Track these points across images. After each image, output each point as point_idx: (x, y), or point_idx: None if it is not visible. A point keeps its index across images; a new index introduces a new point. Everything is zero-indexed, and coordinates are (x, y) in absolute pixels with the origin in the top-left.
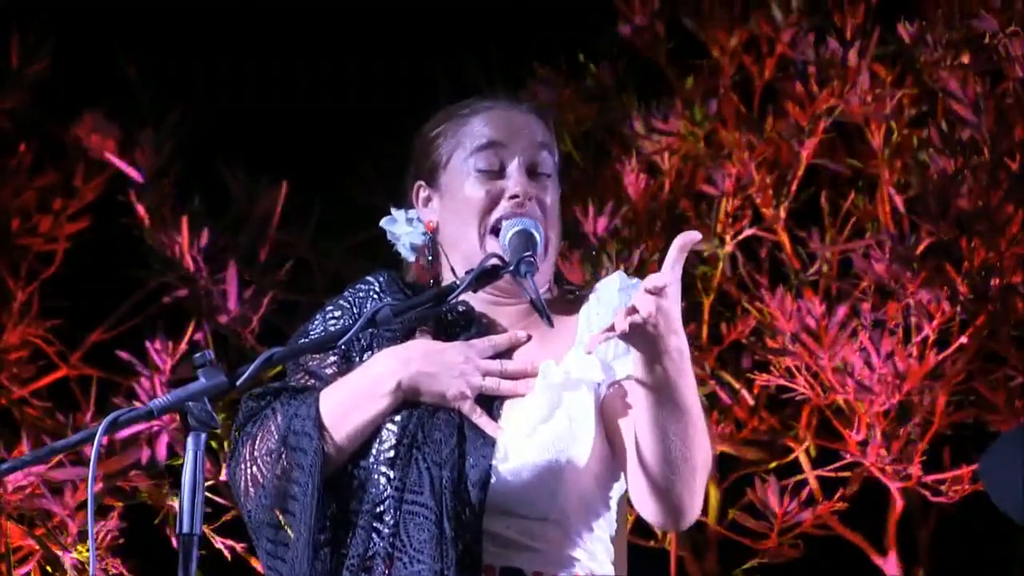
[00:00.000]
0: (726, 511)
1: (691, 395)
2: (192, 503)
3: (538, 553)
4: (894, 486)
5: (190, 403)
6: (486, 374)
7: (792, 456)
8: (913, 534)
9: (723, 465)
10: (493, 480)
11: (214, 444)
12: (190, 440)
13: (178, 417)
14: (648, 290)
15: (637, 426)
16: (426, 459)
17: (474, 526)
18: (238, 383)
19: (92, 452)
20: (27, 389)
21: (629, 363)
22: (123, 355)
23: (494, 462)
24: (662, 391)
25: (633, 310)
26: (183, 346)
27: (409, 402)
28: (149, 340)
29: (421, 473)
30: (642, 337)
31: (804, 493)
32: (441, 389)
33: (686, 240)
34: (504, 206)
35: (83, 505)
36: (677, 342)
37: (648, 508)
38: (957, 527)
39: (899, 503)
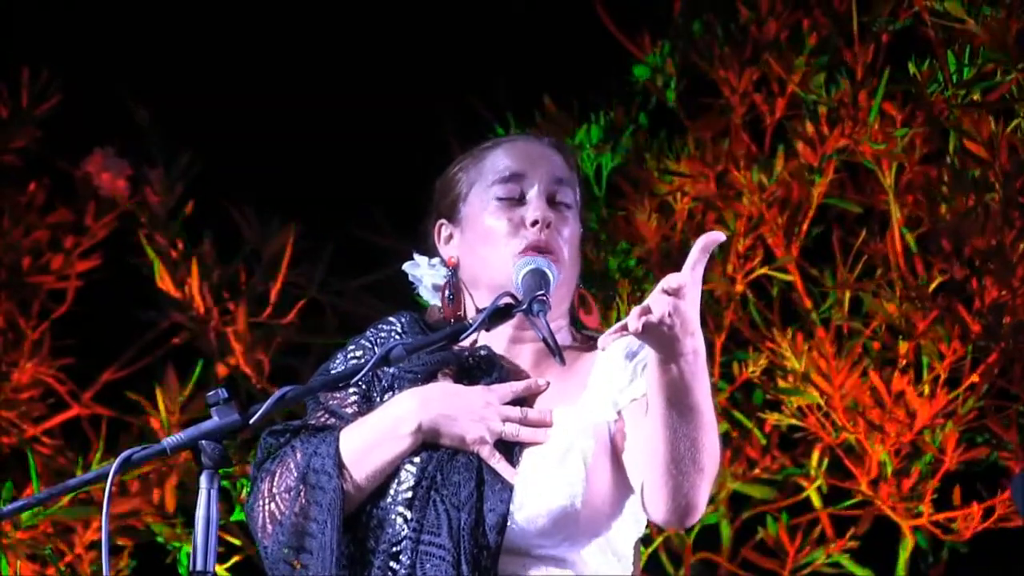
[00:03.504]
0: (738, 550)
1: (703, 396)
2: (206, 541)
3: None
4: (905, 524)
5: (203, 442)
6: (506, 420)
7: (803, 495)
8: (924, 572)
9: (735, 504)
10: (510, 525)
11: (226, 483)
12: (203, 479)
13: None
14: (665, 290)
15: (648, 425)
16: (444, 501)
17: (491, 569)
18: (251, 422)
19: (105, 490)
20: (39, 428)
21: (634, 388)
22: (133, 395)
23: (512, 507)
24: (675, 392)
25: (647, 310)
26: (192, 387)
27: (428, 444)
28: (159, 381)
29: (439, 515)
30: (657, 337)
31: (815, 532)
32: (461, 432)
33: (709, 240)
34: (526, 234)
35: (94, 544)
36: (693, 343)
37: (654, 507)
38: (968, 565)
39: (910, 541)
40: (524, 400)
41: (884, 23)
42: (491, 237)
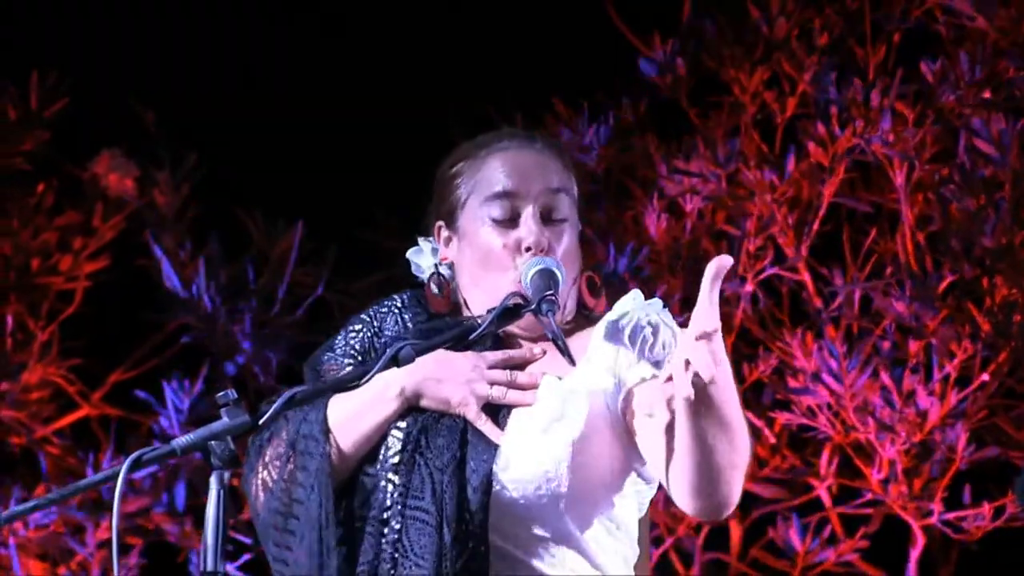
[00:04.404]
0: (748, 549)
1: (734, 409)
2: (216, 541)
3: (549, 568)
4: (916, 524)
5: (213, 442)
6: (493, 383)
7: (813, 494)
8: (935, 572)
9: (745, 503)
10: (496, 488)
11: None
12: (213, 479)
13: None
14: (698, 337)
15: (680, 439)
16: (428, 464)
17: (478, 534)
18: (261, 422)
19: (116, 491)
20: (48, 428)
21: (642, 368)
22: (141, 395)
23: (495, 468)
24: (708, 412)
25: (689, 364)
26: (200, 386)
27: (416, 408)
28: (167, 380)
29: (423, 479)
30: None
31: (826, 531)
32: (445, 395)
33: (719, 267)
34: (519, 261)
35: (104, 544)
36: (723, 370)
37: (691, 506)
38: (979, 565)
39: (921, 541)
40: (519, 368)
41: (896, 22)
42: (485, 260)
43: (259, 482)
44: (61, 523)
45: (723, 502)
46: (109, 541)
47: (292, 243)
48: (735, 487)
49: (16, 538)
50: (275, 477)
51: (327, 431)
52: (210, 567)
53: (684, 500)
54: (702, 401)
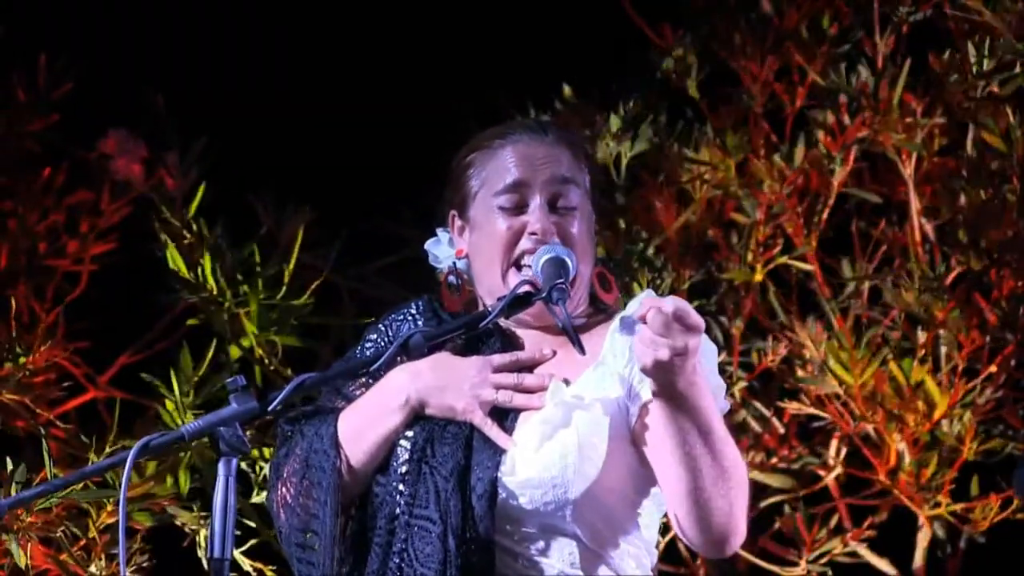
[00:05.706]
0: (756, 539)
1: (715, 421)
2: (223, 527)
3: (561, 568)
4: (923, 514)
5: (221, 428)
6: (499, 387)
7: (821, 484)
8: (942, 562)
9: (753, 493)
10: (502, 494)
11: (243, 465)
12: (221, 465)
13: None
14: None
15: (667, 449)
16: (434, 473)
17: (483, 541)
18: (269, 409)
19: (123, 478)
20: (54, 412)
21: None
22: (147, 378)
23: (500, 474)
24: (682, 411)
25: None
26: (206, 368)
27: (424, 417)
28: (175, 364)
29: (429, 488)
30: (661, 372)
31: (833, 521)
32: (450, 403)
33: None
34: (525, 242)
35: (108, 528)
36: (697, 377)
37: (692, 538)
38: (986, 555)
39: (928, 531)
40: (528, 370)
41: (905, 13)
42: (492, 245)
43: (279, 498)
44: (64, 507)
45: (721, 535)
46: (113, 525)
47: (300, 226)
48: (733, 521)
49: (18, 523)
50: (293, 493)
51: (337, 445)
52: (218, 553)
53: (684, 531)
54: (672, 395)
